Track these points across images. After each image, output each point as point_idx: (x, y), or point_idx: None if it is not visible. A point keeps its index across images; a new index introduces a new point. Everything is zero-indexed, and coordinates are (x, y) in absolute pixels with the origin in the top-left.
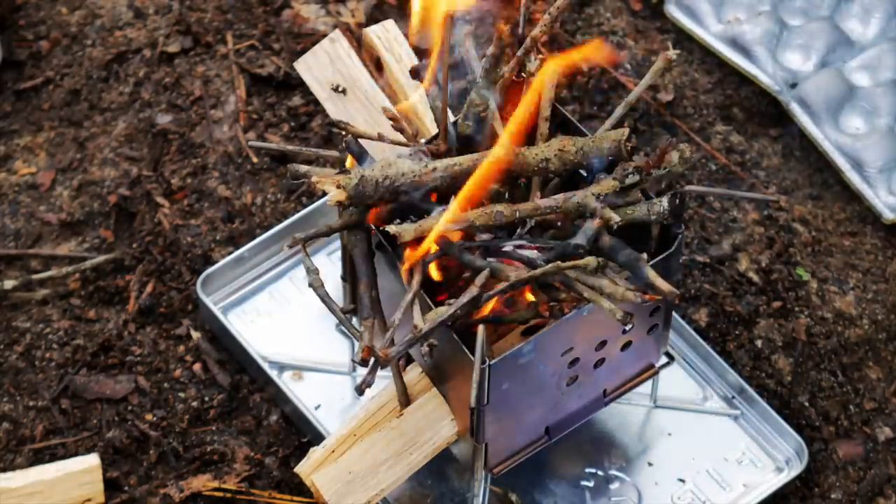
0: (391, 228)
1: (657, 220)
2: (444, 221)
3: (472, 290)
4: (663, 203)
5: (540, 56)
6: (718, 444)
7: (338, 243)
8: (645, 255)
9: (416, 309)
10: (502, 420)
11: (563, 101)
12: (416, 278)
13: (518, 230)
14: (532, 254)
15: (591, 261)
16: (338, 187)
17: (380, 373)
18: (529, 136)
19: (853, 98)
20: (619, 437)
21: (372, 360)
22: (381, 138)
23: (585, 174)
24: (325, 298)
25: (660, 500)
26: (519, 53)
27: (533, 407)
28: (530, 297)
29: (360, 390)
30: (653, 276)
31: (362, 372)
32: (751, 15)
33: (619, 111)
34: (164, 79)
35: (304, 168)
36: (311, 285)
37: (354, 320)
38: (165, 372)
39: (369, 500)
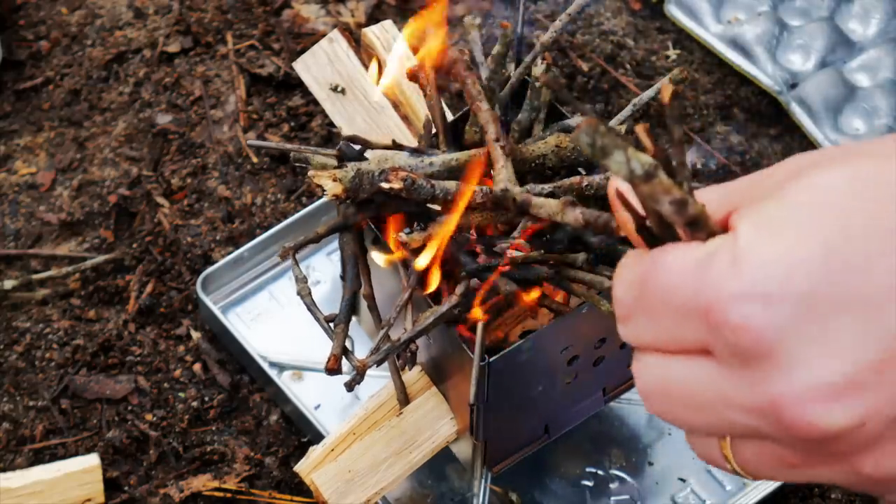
0: (400, 237)
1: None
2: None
3: (452, 299)
4: None
5: (545, 61)
6: None
7: (337, 243)
8: None
9: (409, 313)
10: (502, 418)
11: (564, 102)
12: (412, 279)
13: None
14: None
15: (580, 256)
16: (334, 181)
17: (380, 372)
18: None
19: (853, 98)
20: (619, 437)
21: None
22: (395, 145)
23: (584, 172)
24: (311, 307)
25: (660, 499)
26: (527, 59)
27: (532, 405)
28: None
29: (349, 387)
30: None
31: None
32: (751, 15)
33: (623, 113)
34: (164, 79)
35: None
36: (298, 294)
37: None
38: (165, 372)
39: (369, 498)
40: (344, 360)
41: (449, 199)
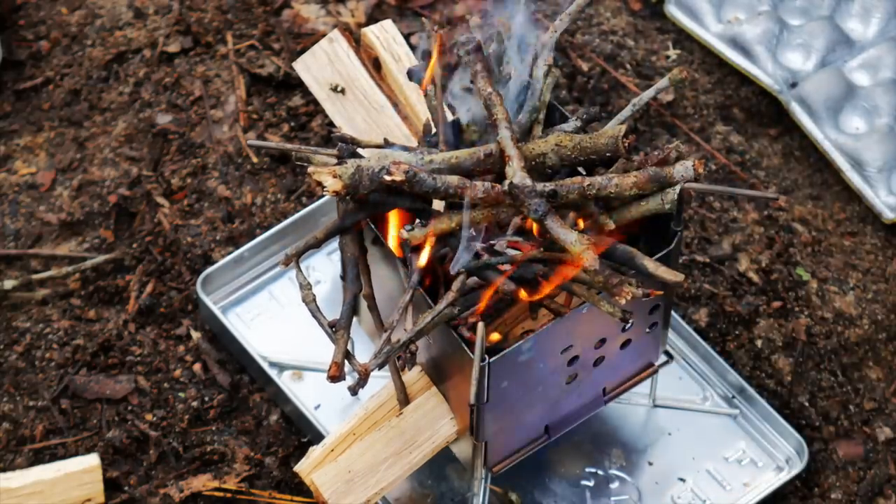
0: (402, 234)
1: (671, 208)
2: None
3: (449, 296)
4: (675, 191)
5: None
6: (718, 443)
7: (337, 243)
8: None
9: (409, 314)
10: (502, 418)
11: (564, 101)
12: (413, 280)
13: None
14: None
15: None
16: (334, 177)
17: (380, 372)
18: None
19: (853, 98)
20: (619, 437)
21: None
22: (386, 144)
23: (584, 172)
24: (315, 313)
25: (660, 499)
26: (528, 60)
27: (532, 405)
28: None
29: (352, 391)
30: (653, 266)
31: None
32: (751, 15)
33: (623, 112)
34: (164, 79)
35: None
36: (303, 300)
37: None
38: (165, 372)
39: (369, 499)
40: (345, 363)
41: (451, 193)
